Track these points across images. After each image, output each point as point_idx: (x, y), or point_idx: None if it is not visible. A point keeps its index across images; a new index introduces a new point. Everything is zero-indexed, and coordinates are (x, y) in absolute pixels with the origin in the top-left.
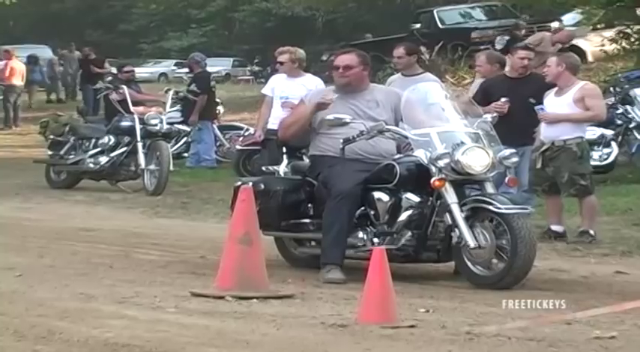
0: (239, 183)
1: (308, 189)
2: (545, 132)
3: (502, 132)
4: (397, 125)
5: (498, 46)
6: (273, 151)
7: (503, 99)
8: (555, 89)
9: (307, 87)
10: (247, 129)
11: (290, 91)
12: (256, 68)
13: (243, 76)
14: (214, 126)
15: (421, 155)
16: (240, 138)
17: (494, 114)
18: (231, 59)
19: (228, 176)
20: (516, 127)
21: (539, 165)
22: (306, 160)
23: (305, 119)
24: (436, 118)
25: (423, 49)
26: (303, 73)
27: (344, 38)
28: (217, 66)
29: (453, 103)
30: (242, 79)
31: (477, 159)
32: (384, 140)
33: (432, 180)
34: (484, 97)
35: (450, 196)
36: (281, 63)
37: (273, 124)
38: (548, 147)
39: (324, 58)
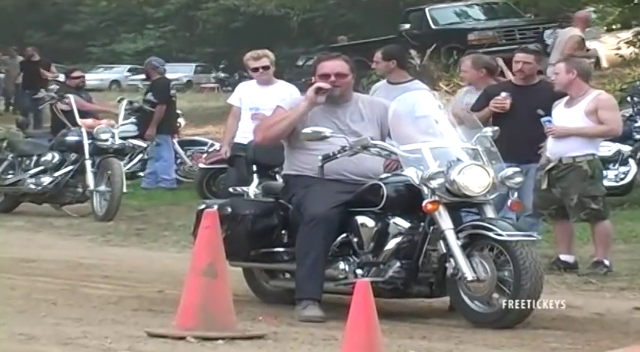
0: (203, 206)
1: (282, 213)
2: (553, 148)
3: (504, 148)
4: (384, 141)
5: (548, 41)
6: (241, 170)
7: (503, 94)
8: (565, 99)
9: (280, 96)
10: (212, 145)
11: (261, 101)
12: (222, 75)
13: (207, 83)
14: (174, 141)
15: (411, 174)
16: (204, 155)
17: (494, 129)
18: (194, 64)
19: (190, 198)
20: (521, 142)
21: (544, 186)
22: (280, 180)
23: (293, 118)
24: (428, 133)
25: (413, 52)
26: (275, 79)
27: (323, 40)
28: (178, 72)
29: (447, 115)
30: (206, 87)
31: (476, 179)
32: (369, 157)
33: (423, 203)
34: (486, 106)
35: (445, 221)
36: (265, 67)
37: (241, 139)
38: (555, 165)
39: (300, 63)
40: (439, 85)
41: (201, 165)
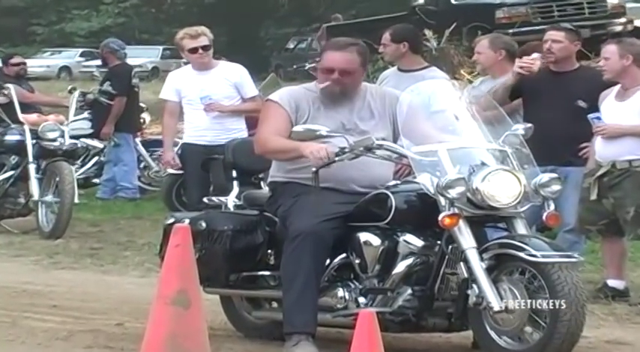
0: (171, 220)
1: (267, 228)
2: (603, 151)
3: (538, 149)
4: (397, 141)
5: None
6: (217, 175)
7: (535, 54)
8: (615, 90)
9: (231, 80)
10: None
11: (211, 89)
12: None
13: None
14: (137, 141)
15: (425, 181)
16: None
17: (527, 126)
18: (161, 48)
19: (156, 211)
20: (558, 141)
21: (593, 196)
22: (265, 188)
23: (292, 155)
24: (446, 130)
25: (428, 33)
26: (215, 61)
27: (319, 18)
28: (141, 57)
29: (469, 109)
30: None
31: (504, 187)
32: (377, 163)
33: (440, 217)
34: (516, 96)
35: (466, 239)
36: (205, 47)
37: (197, 138)
38: (606, 171)
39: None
40: (460, 72)
41: (170, 171)
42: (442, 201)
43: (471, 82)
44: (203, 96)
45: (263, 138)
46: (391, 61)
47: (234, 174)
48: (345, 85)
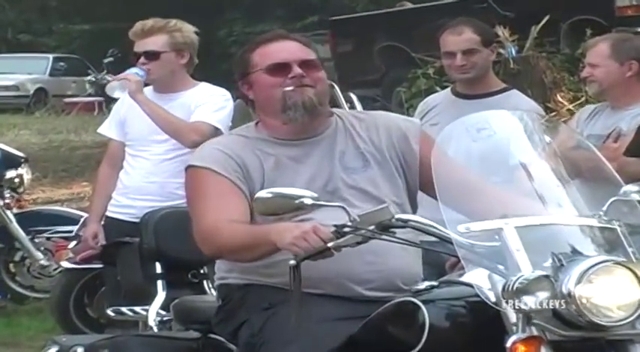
0: (54, 349)
1: None
2: None
3: None
4: (415, 206)
5: None
6: (133, 270)
7: None
8: None
9: (191, 106)
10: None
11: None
12: (110, 77)
13: (76, 95)
14: (9, 214)
15: (482, 282)
16: (72, 244)
17: None
18: (50, 56)
19: (38, 331)
20: None
21: None
22: (211, 294)
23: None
24: (521, 193)
25: (502, 32)
26: (192, 80)
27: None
28: (15, 72)
29: (556, 160)
30: (73, 102)
31: (615, 292)
32: (393, 247)
33: (508, 343)
34: None
35: None
36: (152, 55)
37: (120, 208)
38: None
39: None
40: (556, 96)
41: (66, 265)
42: (511, 315)
43: (571, 111)
44: (149, 137)
45: (209, 227)
46: (465, 78)
47: (159, 268)
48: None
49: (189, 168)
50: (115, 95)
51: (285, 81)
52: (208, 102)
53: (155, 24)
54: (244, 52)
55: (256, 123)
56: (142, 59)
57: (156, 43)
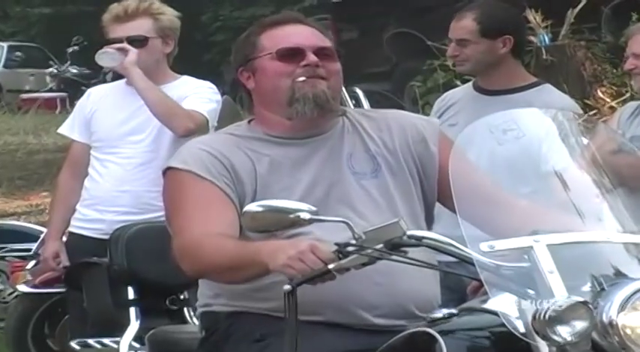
0: None
1: None
2: None
3: None
4: (430, 223)
5: None
6: (101, 295)
7: None
8: None
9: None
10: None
11: (139, 123)
12: (74, 69)
13: (35, 91)
14: None
15: (507, 309)
16: (30, 265)
17: None
18: (5, 44)
19: None
20: None
21: None
22: (194, 323)
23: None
24: (554, 206)
25: (533, 16)
26: (172, 73)
27: None
28: None
29: (599, 166)
30: (31, 98)
31: None
32: (405, 269)
33: None
34: None
35: None
36: (138, 41)
37: (86, 223)
38: None
39: None
40: (596, 91)
41: (22, 288)
42: (543, 349)
43: (613, 109)
44: (121, 136)
45: (191, 242)
46: (473, 71)
47: (131, 293)
48: (329, 78)
49: (167, 170)
50: (104, 64)
51: (296, 70)
52: (196, 94)
53: (139, 5)
54: (250, 34)
55: (249, 121)
56: (126, 44)
57: (142, 27)
